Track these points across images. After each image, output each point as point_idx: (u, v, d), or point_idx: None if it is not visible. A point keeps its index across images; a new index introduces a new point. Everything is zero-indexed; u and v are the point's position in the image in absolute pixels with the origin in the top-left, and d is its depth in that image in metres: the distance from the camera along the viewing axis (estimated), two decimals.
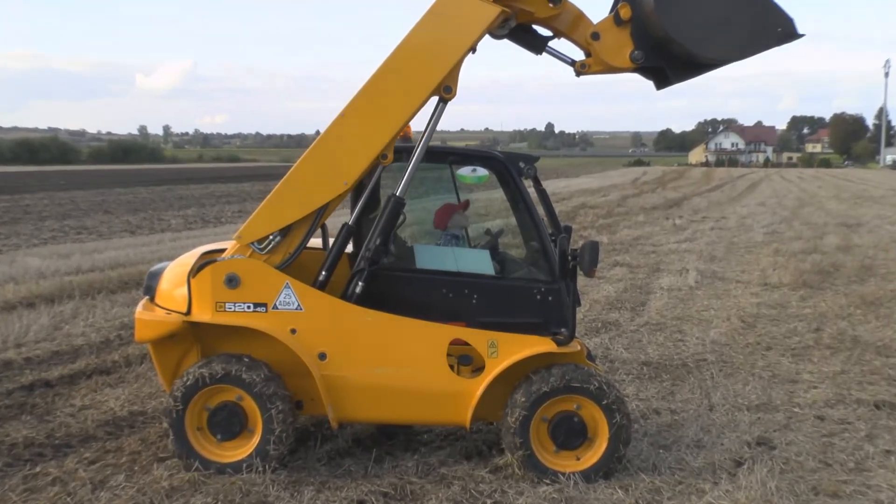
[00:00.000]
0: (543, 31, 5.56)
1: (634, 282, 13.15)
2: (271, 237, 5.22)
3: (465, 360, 5.34)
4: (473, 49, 5.24)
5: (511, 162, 5.52)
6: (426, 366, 5.21)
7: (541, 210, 5.64)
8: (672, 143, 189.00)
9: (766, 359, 8.53)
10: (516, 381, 5.26)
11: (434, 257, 5.60)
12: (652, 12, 5.13)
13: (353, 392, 5.23)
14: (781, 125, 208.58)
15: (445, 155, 5.67)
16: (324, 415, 5.33)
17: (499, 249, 5.96)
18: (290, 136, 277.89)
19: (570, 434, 5.18)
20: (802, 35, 5.14)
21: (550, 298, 5.34)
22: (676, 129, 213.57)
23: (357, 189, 5.35)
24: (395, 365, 5.23)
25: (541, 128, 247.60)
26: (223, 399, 5.14)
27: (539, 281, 5.42)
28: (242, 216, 25.02)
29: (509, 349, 5.20)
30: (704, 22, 5.10)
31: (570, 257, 5.21)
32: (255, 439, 5.14)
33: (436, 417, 5.44)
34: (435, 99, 5.25)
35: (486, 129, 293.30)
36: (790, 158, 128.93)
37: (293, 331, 5.14)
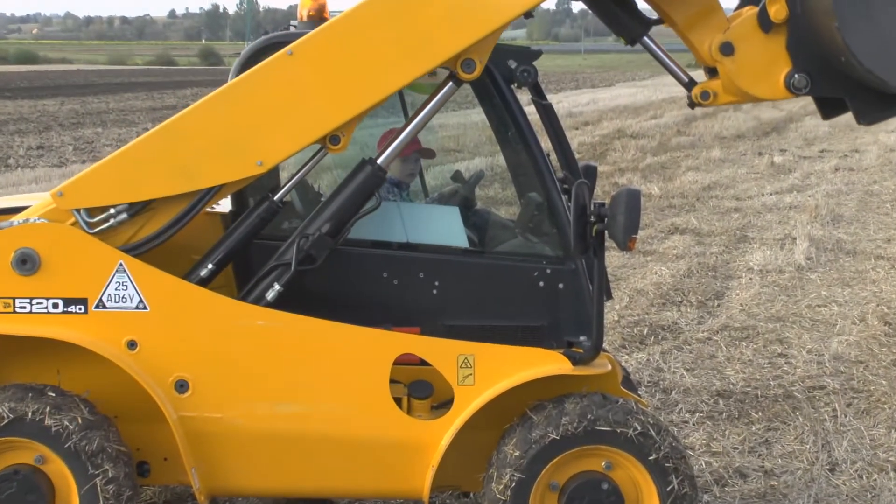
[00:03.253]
0: (647, 10, 5.45)
1: (704, 259, 13.34)
2: (113, 211, 5.19)
3: (420, 390, 5.39)
4: (530, 13, 5.19)
5: (497, 61, 5.53)
6: (357, 399, 5.26)
7: (546, 141, 5.69)
8: None
9: None
10: (506, 424, 5.32)
11: (370, 220, 5.62)
12: (829, 13, 4.85)
13: (234, 445, 5.27)
14: None
15: None
16: (186, 484, 5.36)
17: (476, 205, 6.02)
18: (125, 21, 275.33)
19: None
20: None
21: (561, 286, 5.42)
22: None
23: None
24: (306, 399, 5.27)
25: (549, 5, 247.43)
26: (12, 463, 5.13)
27: (542, 257, 5.50)
28: (46, 157, 24.86)
29: (493, 371, 5.24)
30: None
31: (593, 218, 5.25)
32: None
33: (373, 486, 5.50)
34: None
35: None
36: None
37: (132, 344, 5.16)
